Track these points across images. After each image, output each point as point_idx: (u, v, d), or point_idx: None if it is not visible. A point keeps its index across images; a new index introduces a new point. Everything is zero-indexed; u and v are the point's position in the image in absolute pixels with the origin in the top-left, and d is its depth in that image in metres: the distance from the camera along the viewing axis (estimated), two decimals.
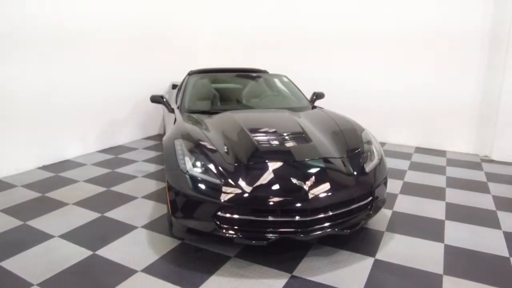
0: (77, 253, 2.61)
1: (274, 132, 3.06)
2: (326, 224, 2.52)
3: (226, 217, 2.44)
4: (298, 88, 4.48)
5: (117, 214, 3.24)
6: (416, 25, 5.37)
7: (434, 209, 3.43)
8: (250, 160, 2.65)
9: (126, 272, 2.40)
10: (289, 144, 2.89)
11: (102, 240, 2.79)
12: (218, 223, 2.44)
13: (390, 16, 5.52)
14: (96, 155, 4.96)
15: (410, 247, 2.77)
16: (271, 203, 2.40)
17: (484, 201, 3.64)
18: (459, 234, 2.97)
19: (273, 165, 2.61)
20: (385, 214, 3.32)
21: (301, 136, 2.99)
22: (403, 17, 5.43)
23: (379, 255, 2.65)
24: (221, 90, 4.27)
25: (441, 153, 5.33)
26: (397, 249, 2.74)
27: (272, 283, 2.32)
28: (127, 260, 2.54)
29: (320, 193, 2.48)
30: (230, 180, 2.47)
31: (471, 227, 3.10)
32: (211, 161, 2.61)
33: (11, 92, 4.05)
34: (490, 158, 5.07)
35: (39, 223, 3.03)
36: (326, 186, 2.54)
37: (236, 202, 2.40)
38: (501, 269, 2.51)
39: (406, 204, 3.53)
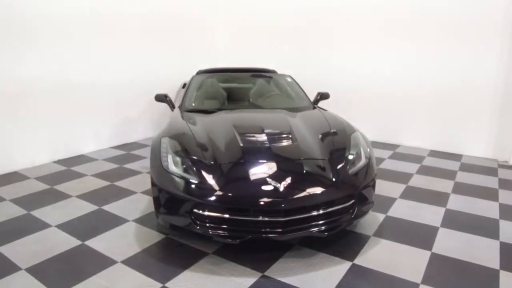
0: (67, 242, 2.78)
1: (262, 132, 3.07)
2: (303, 226, 2.52)
3: (201, 214, 2.50)
4: (301, 88, 4.45)
5: (113, 207, 3.40)
6: (430, 18, 5.14)
7: (431, 215, 3.29)
8: (229, 159, 2.69)
9: (107, 262, 2.53)
10: (273, 144, 2.89)
11: (93, 231, 2.95)
12: (193, 219, 2.51)
13: (402, 12, 5.33)
14: (109, 151, 5.21)
15: (393, 254, 2.69)
16: (244, 202, 2.44)
17: (488, 209, 3.43)
18: (451, 243, 2.84)
19: (251, 165, 2.64)
20: (376, 218, 3.24)
21: (287, 137, 2.99)
22: (415, 11, 5.23)
23: (358, 260, 2.60)
24: (224, 89, 4.33)
25: (456, 157, 5.07)
26: (379, 255, 2.67)
27: (241, 281, 2.36)
28: (111, 251, 2.67)
29: (296, 194, 2.48)
30: (206, 179, 2.53)
31: (466, 236, 2.95)
32: (191, 160, 2.69)
33: (31, 89, 4.36)
34: (509, 164, 4.75)
35: (41, 213, 3.26)
36: (303, 187, 2.53)
37: (210, 200, 2.46)
38: (486, 282, 2.38)
39: (402, 209, 3.42)
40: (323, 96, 4.47)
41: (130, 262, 2.55)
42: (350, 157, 2.84)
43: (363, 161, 2.87)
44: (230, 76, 4.70)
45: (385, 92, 5.69)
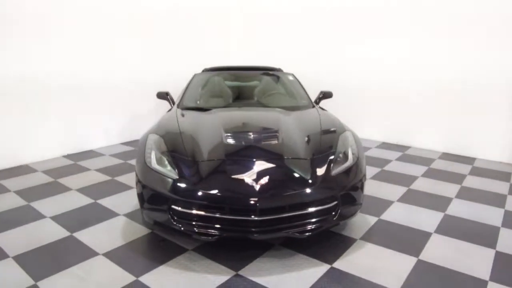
0: (57, 233, 2.89)
1: (249, 131, 3.05)
2: (280, 226, 2.48)
3: (178, 211, 2.52)
4: (303, 87, 4.38)
5: (108, 201, 3.50)
6: (443, 13, 4.91)
7: (426, 221, 3.14)
8: (210, 156, 2.69)
9: (89, 254, 2.61)
10: (257, 143, 2.86)
11: (83, 224, 3.04)
12: (171, 215, 2.53)
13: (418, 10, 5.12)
14: (118, 147, 5.37)
15: (376, 259, 2.59)
16: (217, 200, 2.43)
17: (491, 216, 3.24)
18: (441, 250, 2.69)
19: (230, 163, 2.63)
20: (367, 221, 3.13)
21: (273, 136, 2.95)
22: (431, 8, 5.01)
23: (337, 263, 2.52)
24: (223, 88, 4.34)
25: (468, 160, 4.82)
26: (361, 259, 2.58)
27: (214, 279, 2.35)
28: (95, 244, 2.75)
29: (271, 194, 2.44)
30: (184, 175, 2.55)
31: (460, 243, 2.79)
32: (173, 157, 2.72)
33: (43, 86, 4.57)
34: None
35: (40, 204, 3.40)
36: (280, 187, 2.49)
37: (185, 197, 2.47)
38: None
39: (397, 213, 3.29)
40: (326, 95, 4.39)
41: (111, 255, 2.61)
42: (334, 157, 2.76)
43: (349, 162, 2.78)
44: (232, 74, 4.69)
45: (397, 92, 5.50)
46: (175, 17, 6.05)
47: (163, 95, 4.24)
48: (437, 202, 3.52)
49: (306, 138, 2.96)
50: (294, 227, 2.50)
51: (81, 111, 5.04)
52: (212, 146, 2.80)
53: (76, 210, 3.31)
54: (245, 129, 3.07)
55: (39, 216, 3.18)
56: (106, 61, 5.21)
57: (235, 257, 2.58)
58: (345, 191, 2.67)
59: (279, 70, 4.98)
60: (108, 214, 3.25)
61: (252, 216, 2.40)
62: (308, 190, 2.51)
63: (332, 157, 2.76)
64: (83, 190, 3.75)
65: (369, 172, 4.36)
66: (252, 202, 2.38)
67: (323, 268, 2.48)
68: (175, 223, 2.51)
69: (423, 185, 3.97)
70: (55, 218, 3.14)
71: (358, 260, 2.57)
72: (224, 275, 2.39)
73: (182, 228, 2.49)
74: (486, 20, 4.62)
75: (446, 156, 5.01)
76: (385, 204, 3.48)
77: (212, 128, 3.08)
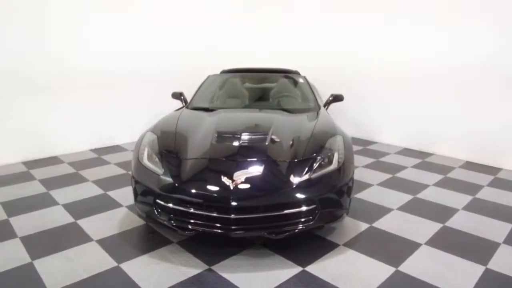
0: (63, 219, 3.20)
1: (240, 132, 3.11)
2: (255, 226, 2.54)
3: (161, 204, 2.68)
4: (312, 90, 4.37)
5: (116, 193, 3.77)
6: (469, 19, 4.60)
7: (421, 231, 3.01)
8: (195, 155, 2.82)
9: (84, 240, 2.86)
10: (244, 144, 2.94)
11: (88, 212, 3.33)
12: (155, 208, 2.70)
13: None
14: None
15: (353, 266, 2.55)
16: (195, 196, 2.55)
17: (495, 231, 3.02)
18: (425, 263, 2.58)
19: (212, 162, 2.74)
20: (357, 227, 3.07)
21: (263, 138, 3.01)
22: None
23: (311, 267, 2.52)
24: (233, 89, 4.46)
25: (492, 170, 4.47)
26: (336, 264, 2.56)
27: (186, 271, 2.47)
28: (92, 231, 3.00)
29: (246, 193, 2.51)
30: (167, 172, 2.70)
31: (449, 257, 2.65)
32: (162, 154, 2.88)
33: (75, 83, 5.01)
34: None
35: (57, 193, 3.76)
36: (255, 187, 2.55)
37: (167, 192, 2.62)
38: None
39: (391, 221, 3.18)
40: (336, 98, 4.34)
41: (103, 242, 2.84)
42: (316, 161, 2.75)
43: (333, 166, 2.75)
44: (244, 76, 4.79)
45: (420, 97, 5.26)
46: (206, 19, 6.32)
47: (177, 95, 4.47)
48: (440, 213, 3.34)
49: (291, 141, 2.98)
50: (270, 228, 2.55)
51: (110, 108, 5.45)
52: (200, 146, 2.93)
53: (86, 200, 3.62)
54: (237, 130, 3.15)
55: (53, 203, 3.53)
56: (136, 58, 5.58)
57: (213, 253, 2.69)
58: (325, 195, 2.66)
59: (295, 72, 5.00)
60: (113, 204, 3.51)
61: (227, 214, 2.50)
62: (283, 192, 2.55)
63: (314, 160, 2.75)
64: (97, 182, 4.07)
65: (378, 178, 4.24)
66: (226, 200, 2.47)
67: (295, 270, 2.50)
68: (159, 216, 2.68)
69: (431, 194, 3.77)
70: (66, 206, 3.47)
71: (332, 265, 2.55)
72: (197, 268, 2.51)
73: (164, 222, 2.65)
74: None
75: (469, 165, 4.69)
76: (383, 211, 3.38)
77: (206, 129, 3.20)
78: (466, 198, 3.67)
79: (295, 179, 2.61)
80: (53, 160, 4.80)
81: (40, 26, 4.65)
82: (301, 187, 2.60)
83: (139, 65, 5.66)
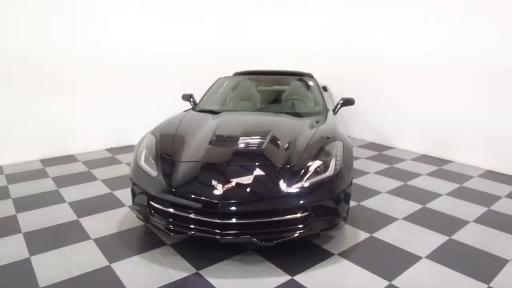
0: (67, 217, 3.30)
1: (238, 136, 3.08)
2: (244, 231, 2.51)
3: (154, 206, 2.70)
4: (322, 94, 4.27)
5: (122, 193, 3.85)
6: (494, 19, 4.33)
7: (423, 244, 2.86)
8: (190, 158, 2.82)
9: (82, 237, 2.94)
10: (240, 149, 2.91)
11: (91, 211, 3.42)
12: (149, 210, 2.73)
13: None
14: None
15: (344, 277, 2.45)
16: (184, 199, 2.54)
17: (505, 247, 2.81)
18: (422, 278, 2.44)
19: (204, 165, 2.72)
20: (357, 236, 2.96)
21: (260, 142, 2.97)
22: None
23: (299, 276, 2.45)
24: (242, 92, 4.44)
25: None
26: (327, 275, 2.47)
27: (174, 274, 2.47)
28: (92, 229, 3.08)
29: (234, 199, 2.48)
30: (161, 174, 2.72)
31: (449, 273, 2.49)
32: (157, 156, 2.91)
33: (94, 86, 5.19)
34: None
35: (66, 191, 3.90)
36: (244, 192, 2.51)
37: (158, 194, 2.63)
38: None
39: (394, 232, 3.04)
40: (347, 101, 4.22)
41: (100, 240, 2.91)
42: (311, 168, 2.68)
43: (329, 173, 2.66)
44: (254, 79, 4.76)
45: (440, 99, 5.01)
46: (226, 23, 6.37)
47: (187, 97, 4.50)
48: (448, 225, 3.16)
49: (291, 146, 2.91)
50: (259, 234, 2.51)
51: (126, 107, 5.60)
52: (196, 149, 2.93)
53: (92, 198, 3.72)
54: (235, 134, 3.12)
55: (60, 200, 3.66)
56: (153, 60, 5.71)
57: (204, 257, 2.68)
58: (320, 203, 2.58)
59: (307, 74, 4.91)
60: (116, 204, 3.58)
61: (215, 219, 2.48)
62: (272, 198, 2.50)
63: (308, 166, 2.68)
64: (106, 181, 4.18)
65: (388, 185, 4.08)
66: (214, 205, 2.45)
67: (283, 278, 2.43)
68: (152, 217, 2.71)
69: (442, 204, 3.58)
70: (71, 204, 3.58)
71: (322, 275, 2.47)
72: (185, 272, 2.50)
73: (157, 223, 2.67)
74: None
75: (489, 175, 4.41)
76: (387, 220, 3.24)
77: (206, 131, 3.20)
78: (480, 210, 3.45)
79: (286, 186, 2.55)
80: (69, 159, 4.98)
81: (68, 26, 4.87)
82: (293, 193, 2.53)
83: (156, 67, 5.77)
